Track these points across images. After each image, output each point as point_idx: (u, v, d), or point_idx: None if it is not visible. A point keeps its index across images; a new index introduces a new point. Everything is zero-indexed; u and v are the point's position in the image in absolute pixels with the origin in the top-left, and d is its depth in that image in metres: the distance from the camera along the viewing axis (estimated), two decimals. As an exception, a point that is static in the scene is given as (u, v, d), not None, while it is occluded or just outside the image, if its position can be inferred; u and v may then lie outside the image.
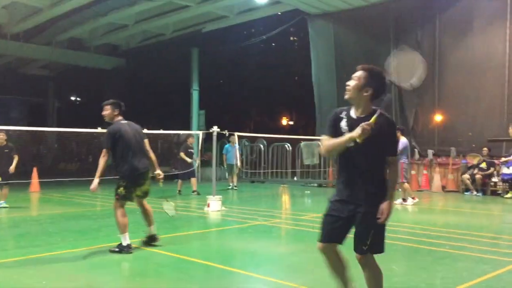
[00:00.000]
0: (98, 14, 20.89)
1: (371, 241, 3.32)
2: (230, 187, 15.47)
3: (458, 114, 15.61)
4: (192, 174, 13.72)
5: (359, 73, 3.34)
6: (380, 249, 3.42)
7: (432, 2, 16.09)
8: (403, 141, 11.03)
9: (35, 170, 14.92)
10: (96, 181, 5.90)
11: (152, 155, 6.43)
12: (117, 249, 5.90)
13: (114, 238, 6.95)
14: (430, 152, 15.63)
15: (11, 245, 6.83)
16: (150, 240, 6.29)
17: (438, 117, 16.09)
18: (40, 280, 4.73)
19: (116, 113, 6.19)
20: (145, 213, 6.28)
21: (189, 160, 13.48)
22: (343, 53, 18.51)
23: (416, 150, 16.15)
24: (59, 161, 28.58)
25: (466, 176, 14.38)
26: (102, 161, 5.94)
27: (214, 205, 10.22)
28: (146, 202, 6.31)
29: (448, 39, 15.83)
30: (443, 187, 15.10)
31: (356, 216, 3.33)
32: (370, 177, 3.29)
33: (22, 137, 18.68)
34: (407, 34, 16.82)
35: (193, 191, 13.56)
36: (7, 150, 10.27)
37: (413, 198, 11.32)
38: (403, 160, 11.06)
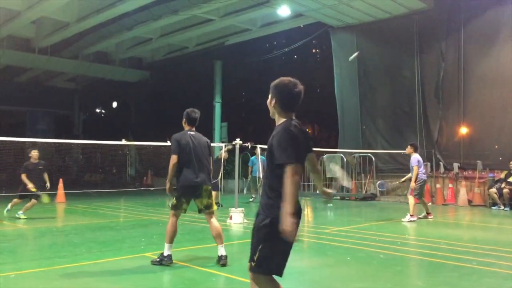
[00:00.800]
0: (123, 28, 21.33)
1: (258, 257, 3.06)
2: (251, 200, 15.45)
3: (484, 127, 15.34)
4: (215, 188, 13.76)
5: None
6: (269, 268, 3.11)
7: (457, 13, 15.93)
8: (415, 156, 10.94)
9: (61, 181, 15.21)
10: (167, 185, 5.97)
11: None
12: (158, 260, 5.89)
13: (138, 249, 7.03)
14: (455, 165, 15.36)
15: (37, 256, 6.94)
16: (218, 261, 6.01)
17: (463, 130, 15.84)
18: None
19: (183, 122, 6.29)
20: (212, 230, 6.07)
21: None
22: (366, 66, 18.45)
23: (441, 163, 15.92)
24: (84, 172, 29.09)
25: (493, 190, 14.07)
26: (170, 166, 5.94)
27: (237, 218, 10.22)
28: (214, 218, 6.12)
29: (473, 50, 15.63)
30: (469, 201, 14.79)
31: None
32: (265, 188, 3.15)
33: (49, 149, 19.09)
34: (432, 46, 16.68)
35: (216, 203, 13.59)
36: (41, 167, 10.64)
37: (411, 215, 10.79)
38: (418, 175, 10.84)
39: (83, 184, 25.30)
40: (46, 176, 10.65)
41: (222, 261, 5.90)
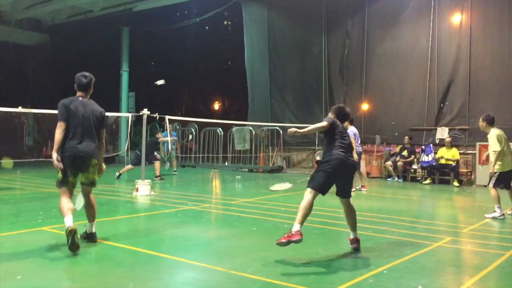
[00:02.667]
0: (19, -14, 19.57)
1: None
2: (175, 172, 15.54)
3: (382, 104, 16.30)
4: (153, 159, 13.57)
5: None
6: None
7: (362, -7, 16.57)
8: (351, 129, 11.04)
9: None
10: (54, 155, 5.28)
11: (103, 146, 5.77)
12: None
13: (35, 223, 6.64)
14: (356, 139, 16.23)
15: None
16: (89, 239, 5.64)
17: (364, 106, 16.69)
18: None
19: (75, 87, 5.71)
20: (89, 206, 5.68)
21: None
22: (277, 39, 18.69)
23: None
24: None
25: (389, 163, 15.10)
26: (56, 135, 5.33)
27: (143, 190, 10.02)
28: (92, 193, 5.72)
29: (376, 30, 16.41)
30: (368, 173, 15.75)
31: None
32: None
33: None
34: (338, 24, 17.26)
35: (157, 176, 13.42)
36: None
37: (363, 186, 11.89)
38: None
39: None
40: None
41: (95, 238, 5.62)
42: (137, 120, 12.61)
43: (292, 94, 18.49)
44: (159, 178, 13.36)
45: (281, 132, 17.69)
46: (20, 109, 13.15)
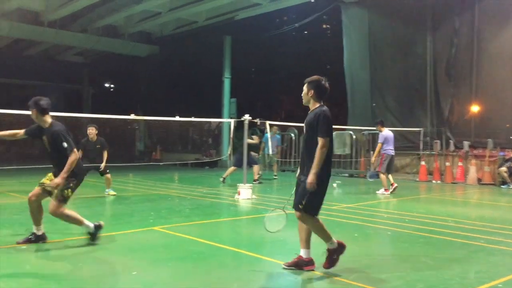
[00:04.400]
0: (132, 2, 21.11)
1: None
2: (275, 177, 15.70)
3: (495, 105, 15.18)
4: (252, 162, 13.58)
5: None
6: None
7: (472, -12, 15.62)
8: (383, 133, 11.60)
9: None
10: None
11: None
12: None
13: (147, 223, 7.10)
14: (466, 143, 15.25)
15: (50, 228, 7.02)
16: (37, 240, 5.61)
17: (475, 108, 15.67)
18: (76, 262, 4.88)
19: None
20: (40, 209, 5.67)
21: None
22: (378, 40, 18.23)
23: (451, 141, 15.81)
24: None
25: (503, 169, 13.98)
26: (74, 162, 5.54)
27: (245, 193, 10.27)
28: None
29: (487, 27, 15.35)
30: (479, 180, 14.72)
31: None
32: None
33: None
34: (445, 22, 16.41)
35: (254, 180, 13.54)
36: (99, 146, 10.20)
37: (385, 190, 11.56)
38: (384, 152, 11.49)
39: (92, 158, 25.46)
40: (105, 156, 10.22)
41: (44, 240, 5.64)
42: (238, 126, 12.94)
43: (394, 97, 17.88)
44: (257, 182, 13.52)
45: (382, 136, 17.16)
46: (132, 116, 14.17)
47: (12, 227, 6.73)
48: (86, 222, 5.65)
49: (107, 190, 10.55)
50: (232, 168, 13.49)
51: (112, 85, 35.02)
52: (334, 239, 4.69)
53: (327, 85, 4.81)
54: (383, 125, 11.98)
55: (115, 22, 24.86)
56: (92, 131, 10.24)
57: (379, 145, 11.63)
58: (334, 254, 4.65)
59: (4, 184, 11.79)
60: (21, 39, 25.25)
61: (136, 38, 27.38)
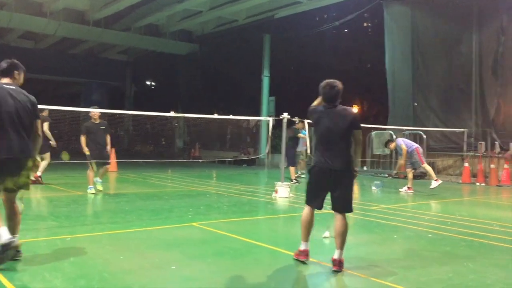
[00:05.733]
0: (174, 1, 21.45)
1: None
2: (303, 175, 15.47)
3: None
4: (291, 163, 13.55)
5: None
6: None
7: (521, -15, 15.04)
8: (399, 142, 12.09)
9: (113, 151, 15.69)
10: None
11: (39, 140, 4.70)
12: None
13: (186, 219, 7.21)
14: (512, 145, 14.74)
15: (91, 221, 7.25)
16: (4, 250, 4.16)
17: (522, 109, 15.10)
18: (118, 255, 5.00)
19: None
20: (12, 213, 4.51)
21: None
22: (421, 39, 17.82)
23: (497, 143, 15.29)
24: (135, 143, 29.90)
25: (552, 172, 13.41)
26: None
27: (282, 192, 10.26)
28: (17, 200, 4.58)
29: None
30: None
31: None
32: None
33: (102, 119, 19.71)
34: (491, 20, 15.86)
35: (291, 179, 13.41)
36: (103, 127, 9.87)
37: (408, 187, 11.95)
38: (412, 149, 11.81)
39: (133, 154, 26.09)
40: (109, 139, 9.90)
41: (14, 252, 4.31)
42: (277, 124, 12.91)
43: (437, 97, 17.44)
44: (294, 181, 13.42)
45: (424, 136, 16.76)
46: (172, 114, 14.42)
47: (57, 219, 6.98)
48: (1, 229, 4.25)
49: (96, 179, 9.89)
50: (292, 168, 13.50)
51: (153, 83, 35.71)
52: (306, 243, 4.86)
53: (327, 88, 5.07)
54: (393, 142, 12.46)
55: (157, 21, 25.33)
56: (95, 113, 9.86)
57: (404, 149, 11.83)
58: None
59: (50, 178, 12.19)
60: (67, 38, 26.09)
61: (177, 37, 27.82)
